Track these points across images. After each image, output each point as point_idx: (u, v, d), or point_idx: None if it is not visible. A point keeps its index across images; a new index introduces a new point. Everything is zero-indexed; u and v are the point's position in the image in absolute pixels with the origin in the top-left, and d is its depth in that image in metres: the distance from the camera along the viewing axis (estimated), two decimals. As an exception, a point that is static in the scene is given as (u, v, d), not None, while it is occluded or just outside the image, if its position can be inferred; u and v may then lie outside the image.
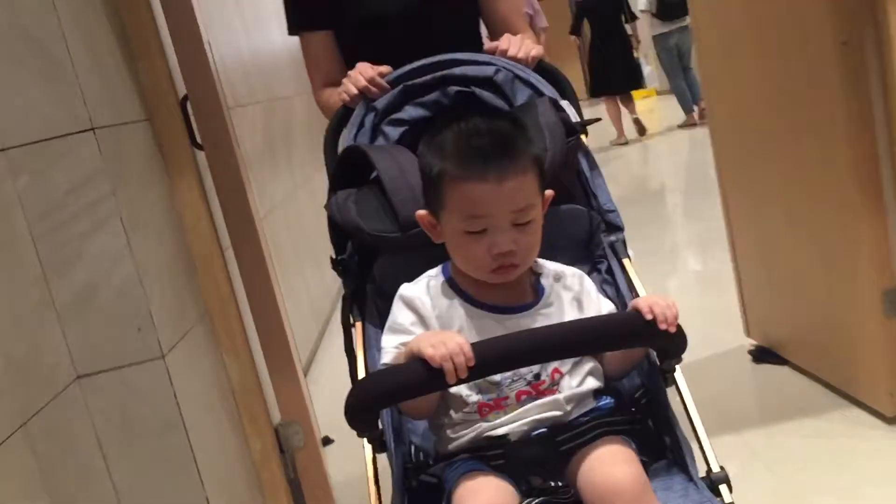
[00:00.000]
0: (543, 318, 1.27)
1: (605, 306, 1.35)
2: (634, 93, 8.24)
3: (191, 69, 2.06)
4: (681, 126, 8.30)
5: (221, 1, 2.75)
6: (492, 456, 1.21)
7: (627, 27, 7.97)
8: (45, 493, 1.47)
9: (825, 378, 2.47)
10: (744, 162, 2.69)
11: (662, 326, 1.15)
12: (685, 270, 4.36)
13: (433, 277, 1.31)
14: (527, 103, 1.56)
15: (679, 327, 1.18)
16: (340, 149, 1.62)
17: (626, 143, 8.20)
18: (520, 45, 1.64)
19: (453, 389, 1.21)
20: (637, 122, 8.30)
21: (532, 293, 1.30)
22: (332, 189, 1.55)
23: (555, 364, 1.25)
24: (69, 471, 1.57)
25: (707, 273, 4.09)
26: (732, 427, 2.39)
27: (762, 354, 2.76)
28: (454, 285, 1.29)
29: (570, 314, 1.30)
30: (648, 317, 1.15)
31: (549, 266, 1.34)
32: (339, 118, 1.66)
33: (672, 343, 1.20)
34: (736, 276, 2.88)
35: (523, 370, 1.23)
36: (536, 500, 1.16)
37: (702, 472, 1.25)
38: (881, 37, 1.92)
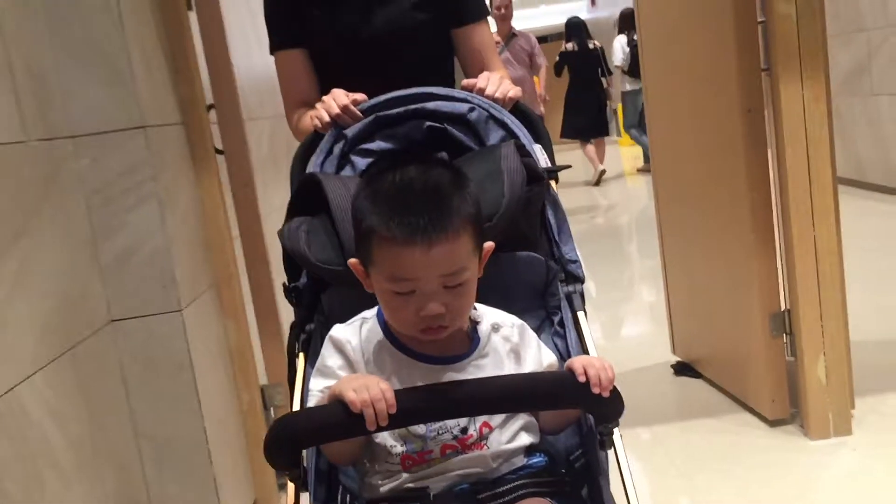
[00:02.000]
0: (476, 369, 1.23)
1: (547, 358, 1.31)
2: (621, 141, 8.84)
3: (218, 84, 2.52)
4: (640, 170, 9.07)
5: (240, 19, 3.17)
6: None
7: (603, 80, 8.58)
8: (83, 403, 1.89)
9: (727, 388, 2.92)
10: (676, 207, 3.17)
11: (595, 390, 1.11)
12: (634, 298, 4.83)
13: (367, 320, 1.27)
14: (490, 146, 1.53)
15: (615, 391, 1.14)
16: None
17: (604, 172, 8.75)
18: (498, 85, 1.61)
19: (378, 439, 1.20)
20: (601, 173, 8.84)
21: (467, 343, 1.25)
22: (288, 215, 1.51)
23: (484, 418, 1.21)
24: (99, 393, 1.99)
25: (651, 301, 4.55)
26: (650, 427, 2.84)
27: (682, 369, 3.21)
28: (386, 330, 1.24)
29: (507, 366, 1.26)
30: (581, 379, 1.11)
31: (489, 314, 1.30)
32: (309, 143, 1.63)
33: (605, 407, 1.17)
34: (666, 303, 3.34)
35: (450, 423, 1.20)
36: None
37: None
38: (777, 107, 2.39)
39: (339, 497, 1.33)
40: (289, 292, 1.49)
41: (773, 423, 2.63)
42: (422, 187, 1.16)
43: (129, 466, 2.09)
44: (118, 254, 2.09)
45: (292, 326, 1.46)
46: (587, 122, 8.31)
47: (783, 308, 2.57)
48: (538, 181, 1.47)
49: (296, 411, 1.22)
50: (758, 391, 2.67)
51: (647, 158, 8.64)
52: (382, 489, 1.20)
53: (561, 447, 1.35)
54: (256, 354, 2.55)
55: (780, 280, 2.57)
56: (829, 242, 2.41)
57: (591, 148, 8.63)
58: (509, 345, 1.28)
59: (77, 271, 1.97)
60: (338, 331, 1.26)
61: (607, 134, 8.76)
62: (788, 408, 2.61)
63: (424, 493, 1.18)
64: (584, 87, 8.33)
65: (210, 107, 2.49)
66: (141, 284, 2.10)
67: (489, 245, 1.23)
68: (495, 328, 1.28)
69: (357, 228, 1.21)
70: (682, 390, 3.12)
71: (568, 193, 8.63)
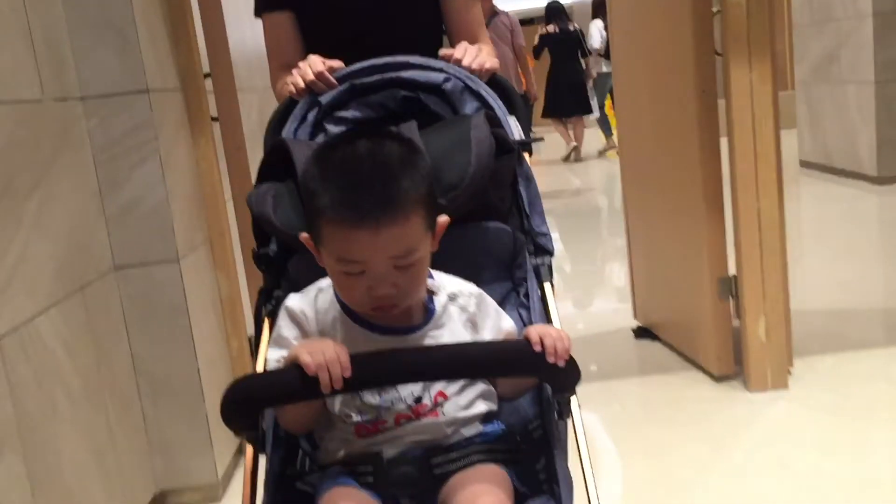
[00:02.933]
0: (432, 340, 1.22)
1: (506, 324, 1.31)
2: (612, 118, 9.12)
3: (214, 54, 2.72)
4: (601, 152, 9.46)
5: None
6: (362, 472, 1.19)
7: (582, 61, 8.87)
8: (90, 340, 2.10)
9: (679, 348, 3.16)
10: (639, 182, 3.40)
11: (550, 359, 1.11)
12: (606, 270, 5.07)
13: (322, 290, 1.25)
14: (461, 116, 1.53)
15: (571, 361, 1.14)
16: None
17: (575, 148, 9.26)
18: (475, 56, 1.61)
19: (334, 408, 1.21)
20: (575, 150, 9.30)
21: (422, 314, 1.24)
22: (258, 181, 1.51)
23: (439, 387, 1.21)
24: (104, 332, 2.20)
25: (620, 271, 4.80)
26: (609, 383, 3.08)
27: (641, 332, 3.45)
28: (341, 301, 1.22)
29: (462, 337, 1.25)
30: (537, 348, 1.11)
31: (447, 283, 1.29)
32: (284, 109, 1.61)
33: (560, 377, 1.17)
34: (629, 272, 3.57)
35: (403, 393, 1.20)
36: None
37: None
38: (727, 88, 2.62)
39: (297, 462, 1.32)
40: (257, 258, 1.46)
41: (719, 379, 2.87)
42: (371, 166, 1.12)
43: (129, 399, 2.31)
44: (122, 206, 2.29)
45: (260, 292, 1.43)
46: (569, 100, 8.59)
47: (730, 274, 2.81)
48: (508, 152, 1.46)
49: (251, 374, 1.20)
50: (706, 350, 2.92)
51: (607, 135, 9.22)
52: (338, 455, 1.21)
53: (520, 416, 1.35)
54: (245, 306, 2.77)
55: (729, 248, 2.81)
56: (772, 214, 2.64)
57: (562, 128, 9.00)
58: (466, 315, 1.27)
59: (85, 220, 2.17)
60: (293, 301, 1.25)
61: (590, 111, 9.03)
62: (733, 365, 2.85)
63: (377, 458, 1.18)
64: (565, 68, 8.59)
65: (206, 75, 2.69)
66: (142, 235, 2.31)
67: (444, 220, 1.21)
68: (452, 298, 1.27)
69: (306, 204, 1.18)
70: (641, 351, 3.36)
71: (548, 171, 8.88)
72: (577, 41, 8.76)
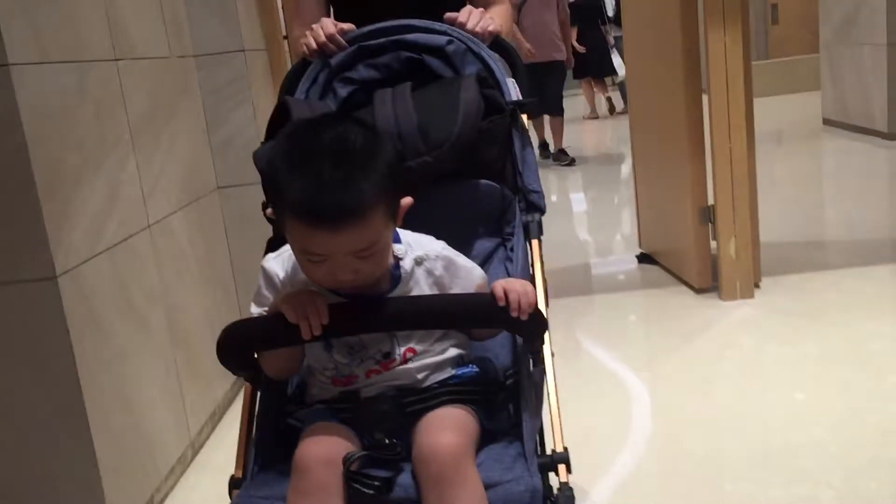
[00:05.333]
0: None
1: (478, 278, 1.33)
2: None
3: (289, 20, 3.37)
4: (621, 112, 10.16)
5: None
6: (342, 409, 1.26)
7: (603, 28, 9.57)
8: (203, 239, 2.81)
9: (669, 267, 3.79)
10: (642, 130, 4.00)
11: (514, 314, 1.17)
12: (620, 211, 5.69)
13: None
14: (454, 77, 1.58)
15: (535, 314, 1.20)
16: None
17: (596, 118, 10.35)
18: (478, 20, 1.66)
19: (312, 362, 1.30)
20: (609, 100, 10.42)
21: (389, 280, 1.26)
22: (266, 138, 1.56)
23: (410, 343, 1.26)
24: (212, 235, 2.91)
25: (631, 211, 5.43)
26: (610, 296, 3.73)
27: (643, 258, 4.07)
28: None
29: None
30: (501, 303, 1.17)
31: (414, 246, 1.30)
32: (296, 70, 1.68)
33: (523, 329, 1.25)
34: (636, 208, 4.19)
35: (372, 351, 1.25)
36: (360, 453, 1.18)
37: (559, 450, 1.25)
38: (706, 47, 3.20)
39: (288, 400, 1.40)
40: (266, 212, 1.51)
41: (698, 291, 3.49)
42: (332, 166, 1.12)
43: (228, 288, 3.02)
44: (223, 140, 2.98)
45: (268, 243, 1.47)
46: (593, 62, 9.32)
47: (710, 203, 3.40)
48: (499, 112, 1.51)
49: (241, 320, 1.27)
50: (689, 267, 3.53)
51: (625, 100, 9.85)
52: (320, 396, 1.30)
53: (496, 364, 1.40)
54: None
55: (709, 182, 3.41)
56: (741, 152, 3.22)
57: (589, 91, 10.06)
58: (432, 278, 1.29)
59: (198, 149, 2.87)
60: (268, 262, 1.31)
61: (615, 72, 9.69)
62: (710, 280, 3.46)
63: (355, 396, 1.26)
64: (590, 34, 9.26)
65: (284, 37, 3.36)
66: (238, 163, 3.00)
67: (406, 201, 1.24)
68: (418, 262, 1.29)
69: (272, 189, 1.21)
70: (641, 273, 3.98)
71: (570, 128, 9.50)
72: (598, 9, 9.44)
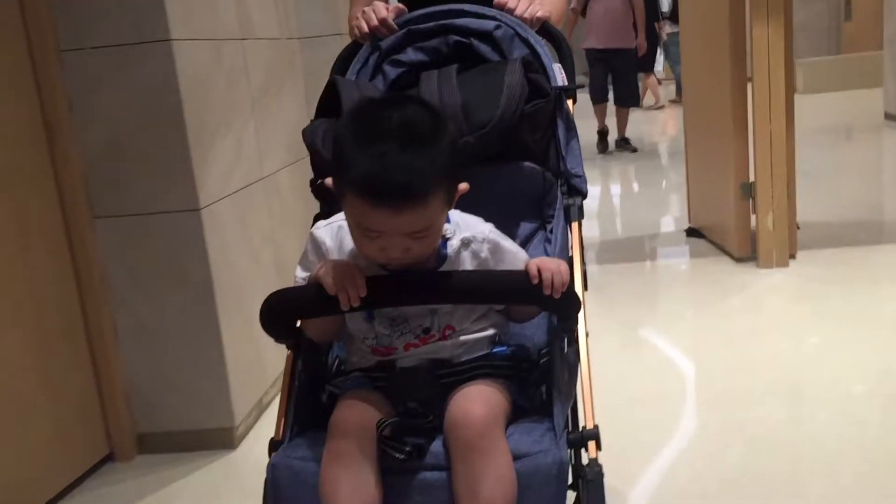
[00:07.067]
0: None
1: (521, 260, 1.32)
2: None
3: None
4: (672, 101, 10.83)
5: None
6: (378, 377, 1.30)
7: (657, 24, 9.91)
8: (302, 196, 3.28)
9: (713, 239, 4.15)
10: (694, 114, 4.36)
11: (547, 292, 1.18)
12: (675, 189, 6.04)
13: (345, 222, 1.27)
14: (498, 62, 1.60)
15: (568, 292, 1.22)
16: None
17: (662, 108, 10.81)
18: (527, 5, 1.68)
19: (353, 329, 1.33)
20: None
21: (434, 259, 1.28)
22: (315, 115, 1.60)
23: (450, 321, 1.29)
24: (305, 198, 3.37)
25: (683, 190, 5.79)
26: (658, 262, 4.12)
27: (691, 232, 4.43)
28: None
29: None
30: (535, 281, 1.19)
31: (463, 227, 1.32)
32: (348, 52, 1.73)
33: (556, 307, 1.26)
34: (686, 185, 4.55)
35: (412, 324, 1.28)
36: (393, 419, 1.21)
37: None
38: (751, 37, 3.54)
39: (328, 368, 1.46)
40: (314, 187, 1.56)
41: (738, 260, 3.84)
42: (398, 147, 1.13)
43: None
44: (321, 111, 3.45)
45: (315, 217, 1.51)
46: (645, 57, 9.62)
47: (750, 180, 3.75)
48: (544, 97, 1.52)
49: (284, 289, 1.28)
50: (731, 239, 3.89)
51: (679, 91, 10.36)
52: (359, 364, 1.34)
53: (532, 343, 1.43)
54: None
55: (752, 161, 3.76)
56: (780, 134, 3.57)
57: (653, 79, 10.40)
58: (477, 260, 1.30)
59: (299, 119, 3.35)
60: (318, 230, 1.33)
61: (651, 69, 10.21)
62: (749, 250, 3.81)
63: (392, 366, 1.30)
64: (646, 30, 9.62)
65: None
66: (333, 131, 3.46)
67: (463, 187, 1.25)
68: (465, 244, 1.30)
69: (336, 161, 1.21)
70: (689, 245, 4.35)
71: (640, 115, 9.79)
72: (653, 5, 9.75)
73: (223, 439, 2.50)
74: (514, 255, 1.33)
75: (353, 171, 1.14)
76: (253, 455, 2.46)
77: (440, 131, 1.19)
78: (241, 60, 2.77)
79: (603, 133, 7.71)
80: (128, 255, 2.41)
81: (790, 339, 2.96)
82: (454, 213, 1.31)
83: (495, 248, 1.32)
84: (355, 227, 1.20)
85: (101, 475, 2.46)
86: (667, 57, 11.26)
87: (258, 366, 2.70)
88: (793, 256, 3.75)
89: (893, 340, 2.84)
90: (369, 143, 1.14)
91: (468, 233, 1.31)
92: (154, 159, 2.34)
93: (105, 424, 2.48)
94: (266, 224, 2.87)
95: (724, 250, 4.01)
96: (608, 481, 1.23)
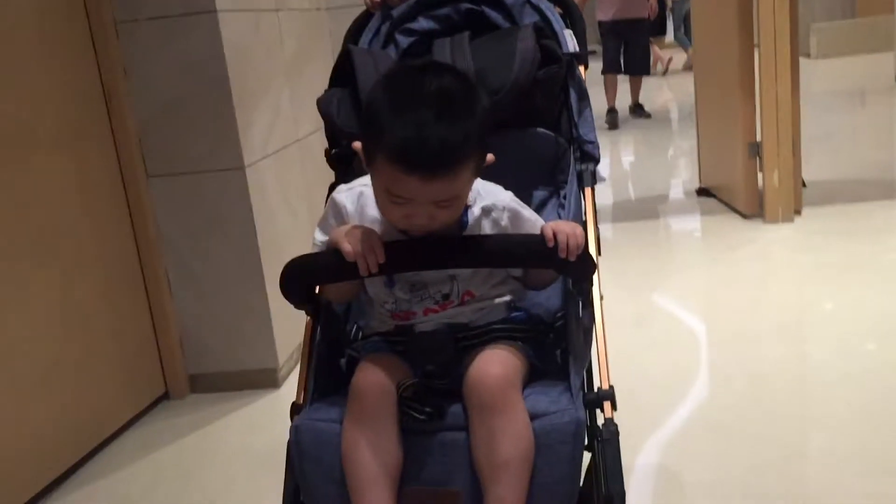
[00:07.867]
0: None
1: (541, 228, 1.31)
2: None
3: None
4: (685, 68, 10.87)
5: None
6: (397, 341, 1.31)
7: None
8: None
9: (722, 197, 4.34)
10: (703, 77, 4.53)
11: (562, 254, 1.18)
12: (685, 148, 6.21)
13: (366, 188, 1.29)
14: (510, 28, 1.61)
15: (583, 255, 1.22)
16: None
17: (666, 72, 11.15)
18: None
19: (372, 293, 1.35)
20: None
21: (455, 226, 1.28)
22: (329, 85, 1.62)
23: (469, 287, 1.30)
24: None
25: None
26: (670, 219, 4.33)
27: (701, 191, 4.62)
28: None
29: None
30: (550, 244, 1.19)
31: (484, 195, 1.32)
32: (360, 21, 1.75)
33: (572, 270, 1.26)
34: (697, 146, 4.73)
35: (432, 290, 1.29)
36: (413, 381, 1.23)
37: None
38: (759, 4, 3.70)
39: (348, 332, 1.49)
40: (329, 156, 1.61)
41: (746, 216, 4.03)
42: (435, 114, 1.13)
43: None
44: (348, 78, 3.64)
45: (331, 186, 1.52)
46: (655, 21, 9.71)
47: (757, 140, 3.93)
48: (556, 63, 1.53)
49: (302, 255, 1.29)
50: (738, 196, 4.07)
51: (686, 51, 10.75)
52: (378, 329, 1.37)
53: (546, 308, 1.45)
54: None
55: (758, 121, 3.93)
56: (785, 96, 3.73)
57: (655, 47, 10.50)
58: (497, 228, 1.31)
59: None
60: (339, 194, 1.35)
61: (664, 33, 10.26)
62: (756, 207, 3.99)
63: (410, 330, 1.31)
64: None
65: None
66: (359, 97, 3.65)
67: (490, 158, 1.25)
68: (486, 212, 1.30)
69: (367, 124, 1.20)
70: (699, 204, 4.54)
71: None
72: None
73: (267, 379, 2.73)
74: (533, 224, 1.34)
75: (387, 137, 1.14)
76: (294, 394, 2.68)
77: (474, 102, 1.20)
78: (277, 30, 2.96)
79: (613, 111, 7.52)
80: (179, 211, 2.63)
81: (793, 285, 3.16)
82: (475, 181, 1.31)
83: (515, 217, 1.32)
84: (382, 192, 1.20)
85: (158, 411, 2.70)
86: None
87: (299, 312, 2.90)
88: (798, 212, 3.93)
89: (892, 285, 3.03)
90: (406, 109, 1.15)
91: (489, 201, 1.32)
92: (202, 122, 2.55)
93: (161, 366, 2.71)
94: (301, 182, 3.08)
95: (732, 208, 4.19)
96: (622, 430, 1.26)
